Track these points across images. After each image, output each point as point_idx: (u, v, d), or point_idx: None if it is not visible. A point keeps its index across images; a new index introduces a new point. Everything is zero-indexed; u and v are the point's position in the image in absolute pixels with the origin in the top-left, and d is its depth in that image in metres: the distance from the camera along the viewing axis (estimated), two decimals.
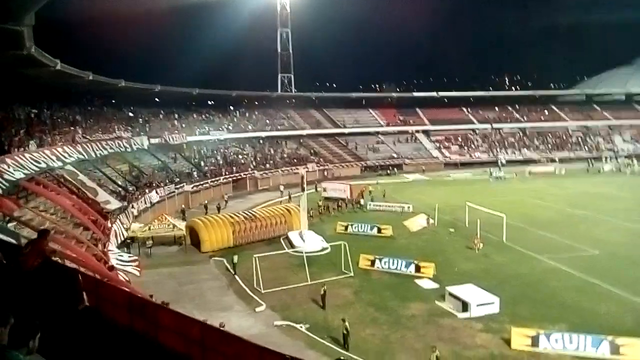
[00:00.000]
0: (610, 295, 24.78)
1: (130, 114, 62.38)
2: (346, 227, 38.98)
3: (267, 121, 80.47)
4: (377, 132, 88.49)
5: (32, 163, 26.61)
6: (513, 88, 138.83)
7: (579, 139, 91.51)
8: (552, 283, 26.72)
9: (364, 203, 49.37)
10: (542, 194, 54.62)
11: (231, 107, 79.62)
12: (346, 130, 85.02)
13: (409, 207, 46.27)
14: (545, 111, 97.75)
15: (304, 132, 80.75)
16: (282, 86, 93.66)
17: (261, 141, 75.25)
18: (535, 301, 24.26)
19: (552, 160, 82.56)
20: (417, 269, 28.34)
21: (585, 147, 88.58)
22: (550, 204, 48.72)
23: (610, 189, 56.61)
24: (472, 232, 35.80)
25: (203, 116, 73.95)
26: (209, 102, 78.35)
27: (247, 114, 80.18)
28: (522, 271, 28.80)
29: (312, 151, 77.28)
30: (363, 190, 53.54)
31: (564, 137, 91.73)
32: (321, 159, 75.16)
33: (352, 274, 28.37)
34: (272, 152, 73.45)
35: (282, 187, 57.49)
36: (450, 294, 23.82)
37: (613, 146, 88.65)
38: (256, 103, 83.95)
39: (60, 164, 31.53)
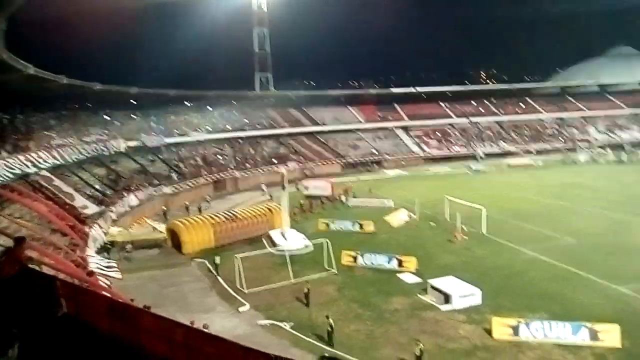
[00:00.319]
0: (590, 283, 25.28)
1: (107, 117, 61.46)
2: (328, 225, 39.04)
3: (246, 121, 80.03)
4: (357, 129, 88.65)
5: (6, 170, 26.06)
6: (489, 82, 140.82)
7: (555, 130, 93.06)
8: (533, 273, 27.18)
9: (346, 201, 49.49)
10: (520, 186, 55.45)
11: (209, 108, 79.05)
12: (326, 128, 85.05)
13: (389, 202, 46.51)
14: (521, 104, 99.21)
15: (283, 131, 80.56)
16: (261, 85, 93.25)
17: (240, 141, 74.84)
18: (517, 291, 24.65)
19: (529, 152, 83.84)
20: (400, 263, 28.56)
21: (561, 138, 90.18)
22: (529, 196, 49.50)
23: (586, 179, 57.74)
24: (453, 225, 36.19)
25: (181, 117, 73.24)
26: (187, 103, 77.65)
27: (225, 114, 79.68)
28: (503, 262, 29.24)
29: (292, 150, 77.12)
30: (348, 188, 53.93)
31: (540, 129, 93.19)
32: (302, 158, 75.07)
33: (335, 271, 28.45)
34: (252, 151, 73.12)
35: (264, 187, 57.24)
36: (432, 287, 24.07)
37: (587, 137, 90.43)
38: (234, 103, 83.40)
39: (35, 169, 30.93)
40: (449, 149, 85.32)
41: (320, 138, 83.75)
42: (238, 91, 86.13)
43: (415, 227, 38.80)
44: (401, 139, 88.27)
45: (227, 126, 76.03)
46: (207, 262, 31.74)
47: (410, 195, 49.61)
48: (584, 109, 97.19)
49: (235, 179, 63.81)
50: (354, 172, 72.73)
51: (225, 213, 38.52)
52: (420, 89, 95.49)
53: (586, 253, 30.06)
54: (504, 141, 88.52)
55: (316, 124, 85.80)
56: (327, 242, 29.54)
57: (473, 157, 79.97)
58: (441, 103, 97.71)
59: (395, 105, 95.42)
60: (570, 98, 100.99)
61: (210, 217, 37.25)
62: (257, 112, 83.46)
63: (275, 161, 70.91)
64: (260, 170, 66.96)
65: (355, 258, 29.84)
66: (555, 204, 45.05)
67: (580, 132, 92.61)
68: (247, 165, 67.83)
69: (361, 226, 38.22)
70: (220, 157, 68.22)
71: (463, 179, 64.06)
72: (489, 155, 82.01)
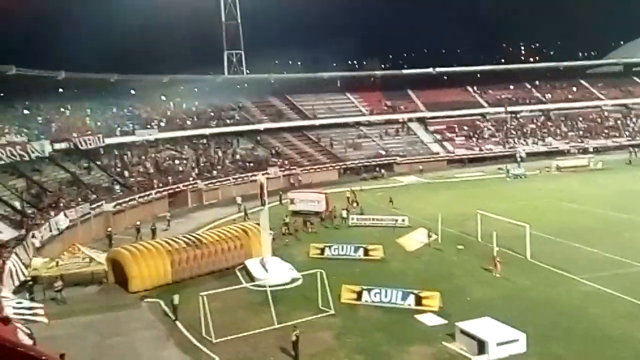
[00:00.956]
0: None
1: (26, 111, 61.13)
2: (322, 250, 38.93)
3: (212, 114, 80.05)
4: (359, 123, 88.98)
5: None
6: (531, 59, 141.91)
7: (618, 121, 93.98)
8: (594, 310, 27.23)
9: (347, 215, 49.44)
10: (574, 195, 55.74)
11: (163, 97, 79.09)
12: (317, 122, 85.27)
13: (403, 220, 46.49)
14: (573, 87, 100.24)
15: (261, 127, 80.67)
16: (231, 66, 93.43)
17: (205, 140, 74.80)
18: (573, 335, 24.64)
19: (585, 151, 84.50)
20: (418, 300, 28.49)
21: (626, 131, 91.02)
22: (586, 207, 49.76)
23: None
24: (487, 248, 36.20)
25: (125, 110, 73.10)
26: (133, 92, 77.56)
27: (184, 105, 79.69)
28: (554, 296, 29.28)
29: (273, 151, 77.14)
30: (354, 198, 55.04)
31: (599, 120, 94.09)
32: (286, 162, 75.07)
33: (332, 312, 28.34)
34: (220, 154, 73.06)
35: (239, 200, 57.13)
36: (462, 332, 24.01)
37: None
38: (196, 90, 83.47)
39: None
40: (480, 148, 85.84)
41: (310, 135, 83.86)
42: (201, 75, 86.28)
43: (437, 252, 38.80)
44: (417, 136, 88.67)
45: (188, 121, 75.99)
46: (162, 303, 31.49)
47: (430, 210, 49.50)
48: None
49: (198, 191, 63.62)
50: (356, 181, 72.76)
51: (186, 237, 38.30)
52: (440, 70, 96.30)
53: None
54: (551, 136, 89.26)
55: (305, 117, 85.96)
56: (321, 274, 29.42)
57: (512, 158, 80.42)
58: (469, 88, 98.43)
59: (409, 91, 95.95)
60: (637, 79, 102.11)
61: (167, 242, 37.03)
62: (226, 102, 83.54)
63: (252, 167, 70.83)
64: (232, 180, 66.85)
65: (359, 294, 29.71)
66: (620, 218, 45.31)
67: None
68: (214, 172, 67.70)
69: (367, 251, 38.13)
70: (179, 163, 68.06)
71: (499, 186, 64.31)
72: (532, 155, 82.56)
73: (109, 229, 46.95)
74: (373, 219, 48.50)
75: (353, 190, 58.83)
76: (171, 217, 53.79)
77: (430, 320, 27.07)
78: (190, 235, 38.98)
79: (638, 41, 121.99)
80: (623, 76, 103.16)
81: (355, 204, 54.38)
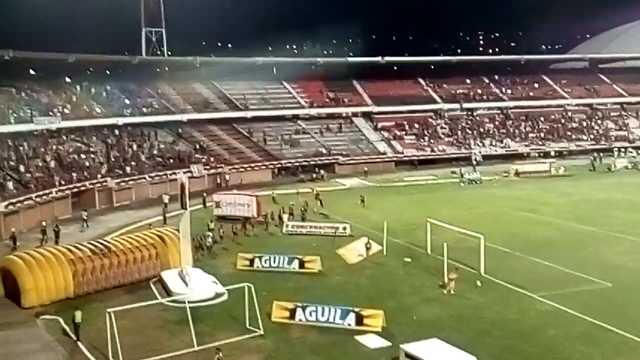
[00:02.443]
0: (631, 344, 26.26)
1: None
2: (251, 261, 38.76)
3: (127, 101, 78.74)
4: (297, 117, 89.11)
5: None
6: (490, 51, 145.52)
7: (582, 122, 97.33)
8: (551, 331, 27.97)
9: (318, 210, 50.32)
10: (533, 204, 57.26)
11: (68, 79, 77.45)
12: (249, 114, 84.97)
13: (345, 228, 46.80)
14: (535, 84, 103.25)
15: (184, 117, 79.89)
16: (149, 46, 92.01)
17: (117, 132, 73.56)
18: (530, 358, 25.26)
19: (546, 155, 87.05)
20: (359, 319, 28.63)
21: (591, 134, 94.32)
22: (546, 218, 51.20)
23: (625, 195, 60.50)
24: (436, 261, 36.76)
25: (23, 94, 71.05)
26: (32, 72, 75.56)
27: (93, 90, 78.08)
28: (509, 316, 29.95)
29: (197, 146, 76.44)
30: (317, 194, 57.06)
31: (562, 121, 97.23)
32: (212, 158, 74.49)
33: (261, 332, 28.21)
34: (135, 148, 71.95)
35: (166, 199, 55.88)
36: (408, 355, 24.25)
37: (627, 133, 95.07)
38: (108, 72, 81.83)
39: None
40: (432, 149, 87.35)
41: (240, 129, 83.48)
42: (114, 55, 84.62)
43: (382, 265, 39.09)
44: (362, 133, 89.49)
45: (97, 109, 74.50)
46: (61, 321, 30.73)
47: (375, 217, 49.98)
48: (623, 92, 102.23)
49: (108, 191, 62.46)
50: (292, 182, 72.82)
51: (92, 244, 37.44)
52: (390, 59, 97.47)
53: (625, 300, 31.29)
54: (510, 138, 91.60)
55: (235, 107, 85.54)
56: (249, 288, 29.26)
57: (467, 161, 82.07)
58: (421, 80, 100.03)
59: (354, 82, 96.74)
60: (603, 77, 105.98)
61: (69, 250, 36.13)
62: (143, 88, 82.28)
63: (172, 163, 69.95)
64: (148, 178, 65.99)
65: (292, 312, 29.67)
66: (582, 230, 46.80)
67: (617, 125, 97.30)
68: (128, 169, 66.54)
69: (302, 263, 38.11)
70: (85, 157, 66.62)
71: (452, 192, 65.48)
72: (489, 158, 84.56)
73: (13, 230, 45.89)
74: (310, 227, 48.61)
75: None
76: (88, 216, 52.73)
77: (372, 342, 27.25)
78: (97, 242, 38.07)
79: (605, 35, 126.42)
80: (588, 73, 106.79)
81: (321, 203, 55.98)
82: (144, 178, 65.88)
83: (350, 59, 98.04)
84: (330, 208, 55.93)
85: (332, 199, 60.34)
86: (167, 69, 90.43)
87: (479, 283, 34.82)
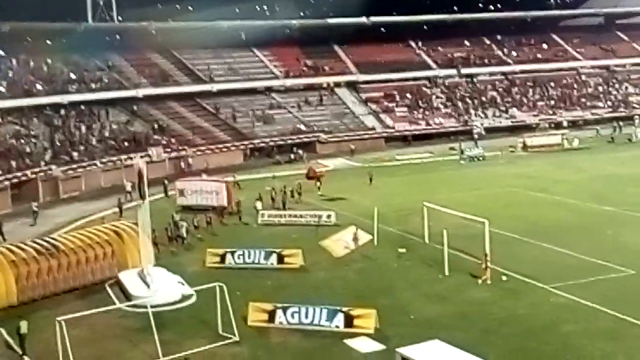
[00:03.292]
0: None
1: None
2: (222, 258, 38.74)
3: (72, 75, 78.19)
4: (270, 89, 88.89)
5: None
6: (491, 7, 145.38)
7: (598, 87, 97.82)
8: (567, 328, 28.15)
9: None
10: (544, 182, 57.63)
11: (1, 52, 77.06)
12: (215, 87, 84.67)
13: (329, 216, 46.94)
14: (544, 44, 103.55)
15: (139, 93, 79.62)
16: (96, 11, 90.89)
17: (62, 112, 73.21)
18: (543, 359, 25.47)
19: (558, 125, 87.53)
20: (349, 320, 28.65)
21: (608, 100, 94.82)
22: (559, 198, 51.56)
23: None
24: (434, 251, 36.94)
25: None
26: None
27: (32, 64, 77.57)
28: (519, 312, 30.11)
29: (155, 126, 76.10)
30: (319, 175, 58.99)
31: (575, 86, 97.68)
32: (172, 140, 74.19)
33: (236, 338, 28.21)
34: (84, 130, 71.63)
35: (129, 186, 55.45)
36: (405, 359, 24.39)
37: None
38: (49, 43, 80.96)
39: None
40: (427, 122, 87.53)
41: (205, 105, 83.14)
42: (56, 22, 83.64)
43: (372, 257, 39.16)
44: (346, 106, 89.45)
45: (37, 85, 73.97)
46: (3, 332, 30.54)
47: (364, 202, 50.05)
48: None
49: (54, 181, 62.14)
50: (267, 165, 72.76)
51: (37, 243, 37.22)
52: (376, 19, 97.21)
53: None
54: (516, 107, 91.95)
55: (198, 80, 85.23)
56: (221, 288, 29.23)
57: (467, 135, 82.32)
58: (412, 43, 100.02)
59: (336, 47, 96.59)
60: (621, 34, 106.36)
61: (10, 250, 35.91)
62: (90, 60, 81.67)
63: (127, 147, 69.60)
64: (99, 165, 65.75)
65: (271, 314, 29.66)
66: (601, 210, 47.18)
67: (638, 89, 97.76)
68: (76, 155, 66.16)
69: (281, 258, 38.12)
70: (25, 142, 66.18)
71: (451, 171, 65.81)
72: (493, 131, 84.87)
73: None
74: (289, 216, 48.76)
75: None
76: (39, 207, 52.69)
77: (364, 345, 27.30)
78: (43, 240, 37.88)
79: None
80: (604, 30, 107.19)
81: (320, 182, 58.09)
82: (95, 164, 65.64)
83: (330, 20, 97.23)
84: (312, 193, 55.99)
85: (310, 184, 60.16)
86: (117, 37, 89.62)
87: (401, 250, 36.67)
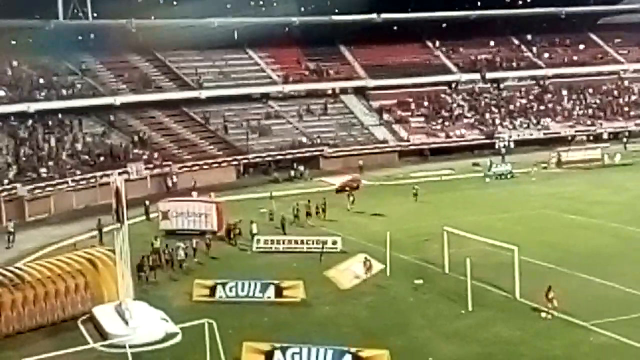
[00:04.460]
0: None
1: None
2: (212, 290, 38.66)
3: (41, 80, 78.39)
4: (267, 96, 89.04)
5: None
6: (519, 3, 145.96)
7: None
8: None
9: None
10: (581, 203, 57.50)
11: None
12: (204, 94, 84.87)
13: (335, 243, 46.90)
14: (580, 45, 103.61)
15: (116, 100, 79.77)
16: (68, 7, 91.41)
17: (29, 122, 73.51)
18: None
19: (597, 138, 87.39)
20: None
21: None
22: (598, 221, 51.35)
23: None
24: (457, 283, 36.84)
25: None
26: None
27: None
28: (554, 352, 29.98)
29: (135, 138, 76.17)
30: (354, 184, 61.58)
31: (616, 93, 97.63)
32: (155, 154, 74.25)
33: None
34: (54, 143, 71.69)
35: (10, 226, 55.37)
36: None
37: None
38: (14, 43, 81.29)
39: None
40: (446, 134, 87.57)
41: (193, 114, 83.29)
42: (22, 19, 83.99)
43: (385, 290, 39.09)
44: (354, 115, 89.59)
45: (0, 91, 74.19)
46: None
47: (375, 227, 50.10)
48: None
49: (18, 201, 62.21)
50: (264, 183, 72.78)
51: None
52: (388, 17, 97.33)
53: None
54: (549, 117, 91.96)
55: (184, 85, 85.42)
56: (211, 326, 29.19)
57: (493, 149, 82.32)
58: (429, 44, 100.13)
59: (342, 47, 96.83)
60: None
61: None
62: (61, 63, 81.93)
63: (103, 162, 69.67)
64: (71, 183, 65.79)
65: (269, 356, 29.58)
66: None
67: None
68: (44, 171, 66.21)
69: (280, 291, 38.04)
70: None
71: (475, 191, 65.80)
72: (522, 145, 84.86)
73: None
74: (289, 242, 48.60)
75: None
76: (15, 227, 52.97)
77: None
78: (5, 270, 37.84)
79: None
80: None
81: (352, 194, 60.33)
82: (66, 183, 65.62)
83: (335, 17, 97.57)
84: (315, 216, 56.02)
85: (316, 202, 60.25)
86: (92, 36, 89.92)
87: (417, 281, 36.90)
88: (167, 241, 48.48)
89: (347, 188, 62.81)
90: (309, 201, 57.38)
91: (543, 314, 33.34)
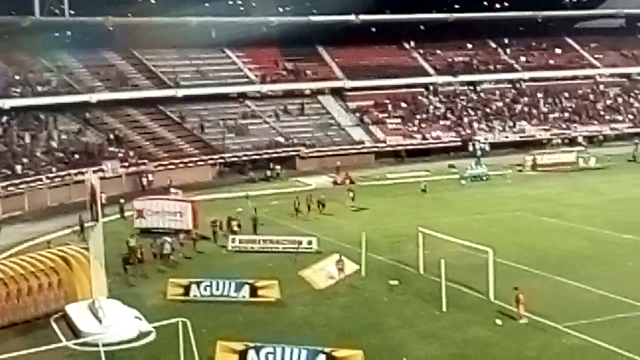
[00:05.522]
0: None
1: None
2: (187, 289, 38.53)
3: (16, 77, 77.95)
4: (244, 95, 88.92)
5: None
6: (497, 6, 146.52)
7: (618, 99, 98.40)
8: None
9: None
10: (556, 206, 57.83)
11: None
12: (180, 92, 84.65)
13: (310, 243, 46.91)
14: (557, 49, 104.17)
15: (92, 98, 79.43)
16: (44, 4, 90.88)
17: (4, 118, 73.33)
18: None
19: (573, 141, 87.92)
20: None
21: (629, 114, 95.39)
22: (573, 224, 51.67)
23: None
24: (432, 284, 36.91)
25: None
26: None
27: None
28: (527, 354, 30.06)
29: (111, 136, 75.89)
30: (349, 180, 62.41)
31: (592, 97, 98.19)
32: (131, 152, 74.00)
33: None
34: (28, 140, 71.48)
35: (104, 198, 54.68)
36: None
37: None
38: None
39: None
40: (423, 136, 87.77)
41: (169, 113, 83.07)
42: None
43: (360, 290, 39.06)
44: (331, 116, 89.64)
45: None
46: None
47: (351, 227, 50.13)
48: None
49: None
50: (240, 182, 72.73)
51: None
52: (366, 18, 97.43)
53: None
54: (525, 120, 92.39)
55: (161, 84, 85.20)
56: (185, 324, 29.06)
57: (469, 151, 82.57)
58: (407, 45, 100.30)
59: (320, 48, 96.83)
60: None
61: None
62: (37, 60, 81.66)
63: (78, 160, 69.36)
64: (46, 180, 65.45)
65: (242, 355, 29.49)
66: (618, 239, 47.30)
67: None
68: (18, 168, 65.83)
69: (255, 290, 37.98)
70: None
71: (451, 192, 66.06)
72: (498, 147, 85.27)
73: None
74: (265, 241, 48.53)
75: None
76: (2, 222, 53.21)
77: None
78: None
79: None
80: (626, 34, 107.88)
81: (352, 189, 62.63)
82: (41, 180, 65.23)
83: (313, 18, 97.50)
84: (290, 216, 55.99)
85: (288, 205, 60.11)
86: (68, 33, 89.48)
87: (392, 282, 35.56)
88: (146, 239, 48.33)
89: (347, 181, 64.52)
90: (310, 195, 59.46)
91: (522, 320, 33.18)
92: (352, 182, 63.42)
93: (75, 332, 33.62)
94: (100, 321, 33.87)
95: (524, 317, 33.05)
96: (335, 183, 65.12)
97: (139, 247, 45.55)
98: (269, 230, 51.93)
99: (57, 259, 38.51)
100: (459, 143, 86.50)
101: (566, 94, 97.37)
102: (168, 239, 45.82)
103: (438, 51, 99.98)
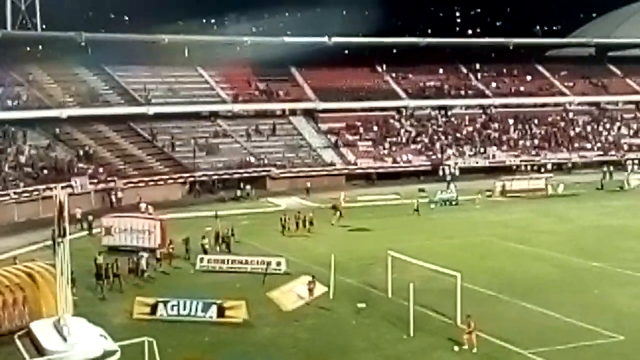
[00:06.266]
0: None
1: None
2: (154, 308, 38.30)
3: None
4: (216, 114, 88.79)
5: None
6: (469, 32, 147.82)
7: (587, 127, 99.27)
8: None
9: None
10: (524, 232, 58.04)
11: None
12: (151, 110, 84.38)
13: (279, 264, 46.77)
14: (527, 76, 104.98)
15: (63, 113, 78.95)
16: (16, 18, 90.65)
17: None
18: None
19: (542, 168, 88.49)
20: None
21: (597, 142, 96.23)
22: (541, 250, 51.87)
23: None
24: (399, 307, 36.91)
25: None
26: None
27: None
28: None
29: (80, 152, 75.49)
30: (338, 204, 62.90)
31: (561, 125, 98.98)
32: (100, 169, 73.57)
33: None
34: None
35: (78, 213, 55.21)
36: None
37: None
38: None
39: None
40: (394, 159, 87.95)
41: (140, 130, 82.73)
42: None
43: (328, 312, 39.04)
44: (303, 137, 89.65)
45: None
46: None
47: (320, 249, 50.09)
48: (639, 88, 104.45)
49: None
50: (210, 200, 72.51)
51: None
52: (339, 40, 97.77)
53: None
54: (495, 145, 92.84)
55: (132, 101, 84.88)
56: (151, 344, 28.90)
57: (439, 175, 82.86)
58: (379, 69, 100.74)
59: (293, 69, 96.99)
60: (613, 68, 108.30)
61: None
62: (7, 74, 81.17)
63: (47, 175, 68.90)
64: (13, 195, 64.96)
65: None
66: (587, 266, 47.58)
67: (631, 130, 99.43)
68: None
69: (222, 311, 37.78)
70: None
71: (420, 217, 66.05)
72: (468, 172, 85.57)
73: None
74: (233, 261, 48.40)
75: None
76: None
77: None
78: None
79: (616, 15, 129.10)
80: (595, 62, 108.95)
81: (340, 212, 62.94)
82: (8, 195, 64.72)
83: (287, 39, 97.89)
84: (260, 236, 55.93)
85: (262, 224, 60.19)
86: (40, 47, 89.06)
87: (455, 348, 35.00)
88: (114, 257, 48.00)
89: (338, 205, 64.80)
90: (298, 212, 60.61)
91: (457, 348, 32.79)
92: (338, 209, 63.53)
93: (39, 350, 33.18)
94: (64, 339, 33.52)
95: (474, 346, 32.61)
96: (334, 207, 64.82)
97: (114, 262, 45.26)
98: (238, 250, 51.89)
99: (22, 275, 38.17)
100: (429, 167, 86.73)
101: (536, 121, 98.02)
102: (144, 254, 45.90)
103: (410, 75, 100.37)
